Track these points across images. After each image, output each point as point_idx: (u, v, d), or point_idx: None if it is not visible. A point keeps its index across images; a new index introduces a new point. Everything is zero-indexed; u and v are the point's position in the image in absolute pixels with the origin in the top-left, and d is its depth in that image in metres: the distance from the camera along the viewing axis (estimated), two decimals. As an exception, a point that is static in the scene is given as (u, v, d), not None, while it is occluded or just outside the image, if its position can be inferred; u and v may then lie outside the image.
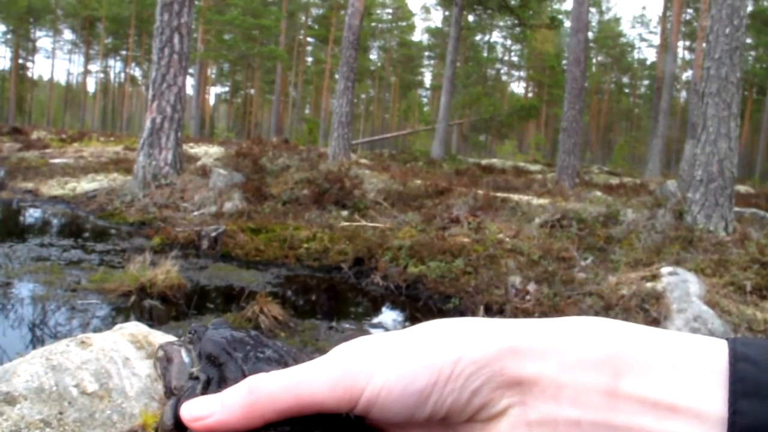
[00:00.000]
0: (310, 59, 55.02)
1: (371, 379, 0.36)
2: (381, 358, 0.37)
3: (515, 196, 11.05)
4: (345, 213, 9.33)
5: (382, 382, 0.36)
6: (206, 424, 0.36)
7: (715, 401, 0.33)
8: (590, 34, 39.09)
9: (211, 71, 53.84)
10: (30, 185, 12.07)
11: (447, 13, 50.03)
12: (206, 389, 0.39)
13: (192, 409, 0.37)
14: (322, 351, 0.43)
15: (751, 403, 0.32)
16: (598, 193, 12.26)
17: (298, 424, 0.37)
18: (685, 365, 0.34)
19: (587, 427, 0.34)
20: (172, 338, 3.01)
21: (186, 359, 0.42)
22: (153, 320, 4.92)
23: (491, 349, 0.36)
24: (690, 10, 37.76)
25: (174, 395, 0.41)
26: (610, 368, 0.35)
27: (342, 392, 0.36)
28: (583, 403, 0.35)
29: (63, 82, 72.65)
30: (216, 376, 0.40)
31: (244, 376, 0.38)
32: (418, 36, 69.08)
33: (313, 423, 0.37)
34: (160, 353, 0.43)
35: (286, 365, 0.39)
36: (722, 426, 0.32)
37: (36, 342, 4.26)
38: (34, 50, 59.53)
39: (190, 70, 30.44)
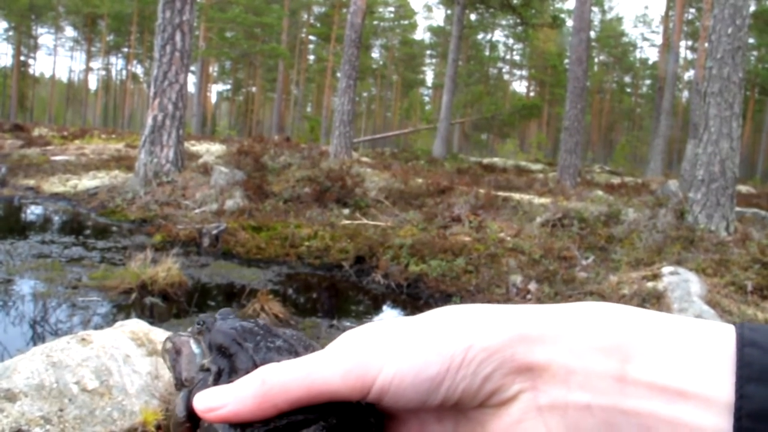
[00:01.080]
0: (312, 57, 54.99)
1: (383, 367, 0.36)
2: (392, 346, 0.37)
3: (516, 195, 11.04)
4: (346, 211, 9.33)
5: (394, 370, 0.36)
6: (220, 414, 0.36)
7: (723, 386, 0.33)
8: (592, 34, 39.09)
9: (213, 69, 53.82)
10: (31, 182, 12.08)
11: (449, 11, 50.02)
12: (218, 380, 0.39)
13: (205, 400, 0.37)
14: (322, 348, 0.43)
15: (758, 387, 0.32)
16: (600, 193, 12.24)
17: (310, 412, 0.37)
18: (693, 350, 0.34)
19: (597, 412, 0.35)
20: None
21: (196, 350, 0.42)
22: (154, 318, 4.93)
23: (502, 336, 0.37)
24: (692, 10, 37.70)
25: (185, 387, 0.41)
26: (619, 353, 0.35)
27: (354, 381, 0.36)
28: (593, 387, 0.35)
29: (65, 79, 72.72)
30: (227, 366, 0.40)
31: (256, 366, 0.38)
32: (420, 34, 69.09)
33: (326, 411, 0.37)
34: (168, 345, 0.43)
35: (297, 354, 0.39)
36: (729, 410, 0.32)
37: (37, 339, 4.26)
38: (35, 47, 59.55)
39: (192, 68, 30.46)
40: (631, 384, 0.34)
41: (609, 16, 62.53)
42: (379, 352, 0.37)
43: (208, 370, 0.40)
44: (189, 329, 0.44)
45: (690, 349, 0.34)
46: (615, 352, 0.35)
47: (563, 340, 0.36)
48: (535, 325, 0.37)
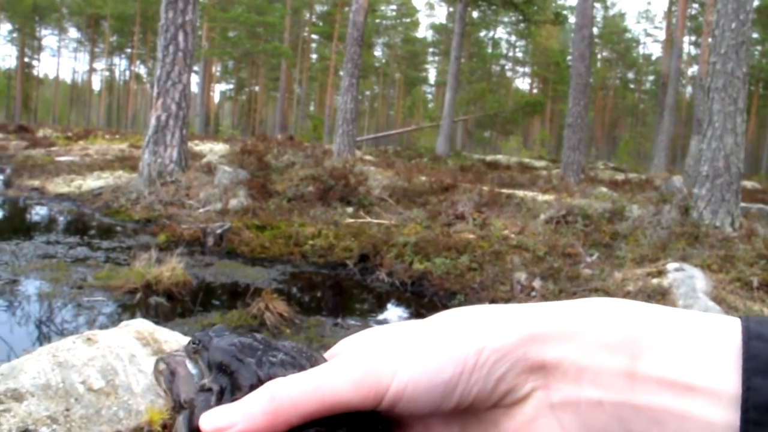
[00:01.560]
0: (314, 56, 54.98)
1: (396, 375, 0.36)
2: (404, 352, 0.37)
3: (520, 193, 11.03)
4: (350, 210, 9.33)
5: (407, 376, 0.36)
6: None
7: (729, 379, 0.33)
8: (595, 30, 38.95)
9: (216, 68, 53.88)
10: (36, 183, 12.12)
11: (451, 9, 49.91)
12: (221, 399, 0.37)
13: (213, 420, 0.35)
14: (327, 347, 0.42)
15: (764, 380, 0.32)
16: (604, 189, 12.21)
17: (322, 425, 0.36)
18: (700, 344, 0.35)
19: (608, 408, 0.35)
20: (177, 335, 3.02)
21: (192, 370, 0.40)
22: (159, 317, 4.94)
23: (514, 336, 0.37)
24: (695, 5, 37.57)
25: (184, 409, 0.39)
26: (628, 350, 0.35)
27: (367, 390, 0.36)
28: (604, 384, 0.35)
29: (68, 80, 72.94)
30: (228, 385, 0.38)
31: (261, 382, 0.37)
32: (423, 32, 68.93)
33: (334, 422, 0.36)
34: (162, 366, 0.41)
35: (301, 368, 0.38)
36: (737, 403, 0.33)
37: (42, 339, 4.28)
38: (39, 48, 59.71)
39: (195, 68, 30.47)
40: (641, 380, 0.35)
41: (612, 12, 62.40)
42: (390, 359, 0.36)
43: (209, 389, 0.38)
44: (183, 347, 0.42)
45: (697, 343, 0.35)
46: (624, 348, 0.35)
47: (574, 338, 0.36)
48: (545, 323, 0.37)
